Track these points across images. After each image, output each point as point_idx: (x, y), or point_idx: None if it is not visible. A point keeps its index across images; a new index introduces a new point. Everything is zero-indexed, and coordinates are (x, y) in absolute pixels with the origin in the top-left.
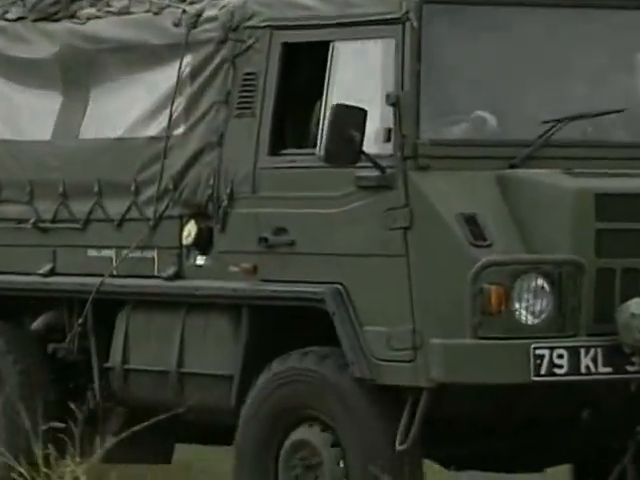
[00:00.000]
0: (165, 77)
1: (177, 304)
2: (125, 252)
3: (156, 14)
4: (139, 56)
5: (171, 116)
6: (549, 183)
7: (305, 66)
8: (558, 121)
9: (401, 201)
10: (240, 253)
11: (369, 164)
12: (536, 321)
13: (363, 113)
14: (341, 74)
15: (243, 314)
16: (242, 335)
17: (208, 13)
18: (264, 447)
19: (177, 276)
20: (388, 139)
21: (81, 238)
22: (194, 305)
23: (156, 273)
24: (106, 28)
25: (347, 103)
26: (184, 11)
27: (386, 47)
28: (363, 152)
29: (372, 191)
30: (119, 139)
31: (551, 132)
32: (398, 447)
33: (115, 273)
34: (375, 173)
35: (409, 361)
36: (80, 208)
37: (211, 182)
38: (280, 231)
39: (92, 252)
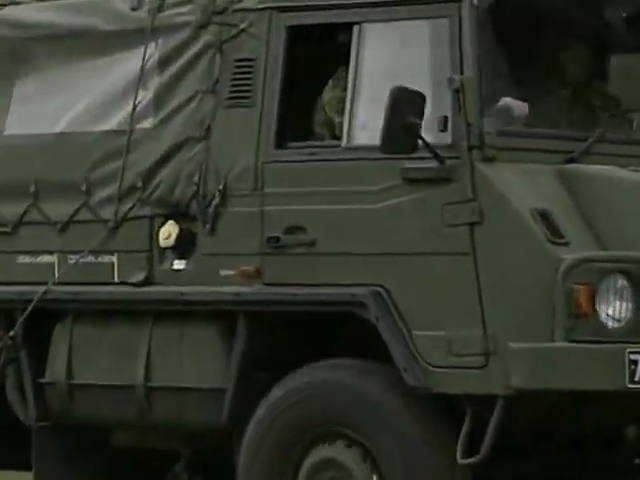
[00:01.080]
0: (121, 66)
1: (140, 313)
2: (75, 257)
3: None
4: (82, 44)
5: (134, 108)
6: (625, 178)
7: (314, 51)
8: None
9: (466, 195)
10: (236, 255)
11: (416, 155)
12: (619, 324)
13: (422, 98)
14: (370, 58)
15: (240, 321)
16: (238, 344)
17: None
18: (278, 468)
19: (147, 282)
20: (444, 128)
21: (9, 243)
22: (164, 313)
23: (116, 279)
24: (34, 13)
25: (407, 87)
26: None
27: (436, 28)
28: (423, 140)
29: (424, 184)
30: (60, 134)
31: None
32: (461, 461)
33: (56, 280)
34: (428, 164)
35: (479, 367)
36: (7, 210)
37: (195, 179)
38: (295, 230)
39: (24, 258)
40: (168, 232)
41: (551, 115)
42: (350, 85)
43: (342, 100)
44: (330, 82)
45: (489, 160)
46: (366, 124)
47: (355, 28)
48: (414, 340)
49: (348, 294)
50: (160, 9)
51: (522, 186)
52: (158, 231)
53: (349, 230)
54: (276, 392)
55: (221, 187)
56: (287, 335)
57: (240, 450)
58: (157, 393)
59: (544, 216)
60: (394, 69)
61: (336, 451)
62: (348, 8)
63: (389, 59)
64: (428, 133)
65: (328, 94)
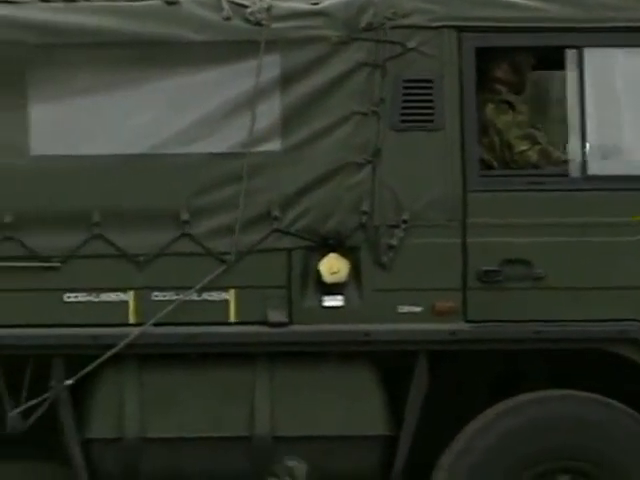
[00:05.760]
0: (222, 82)
1: (249, 355)
2: (183, 293)
3: (172, 3)
4: (153, 54)
5: (252, 129)
6: None
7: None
8: None
9: None
10: (424, 290)
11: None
12: None
13: None
14: (595, 84)
15: (419, 361)
16: (419, 387)
17: (296, 7)
18: None
19: (287, 321)
20: None
21: (56, 280)
22: (289, 355)
23: (232, 319)
24: (71, 16)
25: None
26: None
27: None
28: None
29: None
30: (139, 156)
31: None
32: None
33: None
34: None
35: None
36: (54, 243)
37: (363, 208)
38: (516, 263)
39: (77, 296)
40: (337, 266)
41: None
42: (575, 111)
43: (521, 125)
44: (492, 105)
45: None
46: (605, 154)
47: (570, 52)
48: None
49: (617, 330)
50: (268, 21)
51: None
52: (314, 265)
53: (593, 263)
54: (507, 422)
55: (406, 217)
56: (473, 375)
57: None
58: (286, 444)
59: None
60: (620, 95)
61: None
62: (559, 32)
63: (614, 84)
64: None
65: (501, 117)
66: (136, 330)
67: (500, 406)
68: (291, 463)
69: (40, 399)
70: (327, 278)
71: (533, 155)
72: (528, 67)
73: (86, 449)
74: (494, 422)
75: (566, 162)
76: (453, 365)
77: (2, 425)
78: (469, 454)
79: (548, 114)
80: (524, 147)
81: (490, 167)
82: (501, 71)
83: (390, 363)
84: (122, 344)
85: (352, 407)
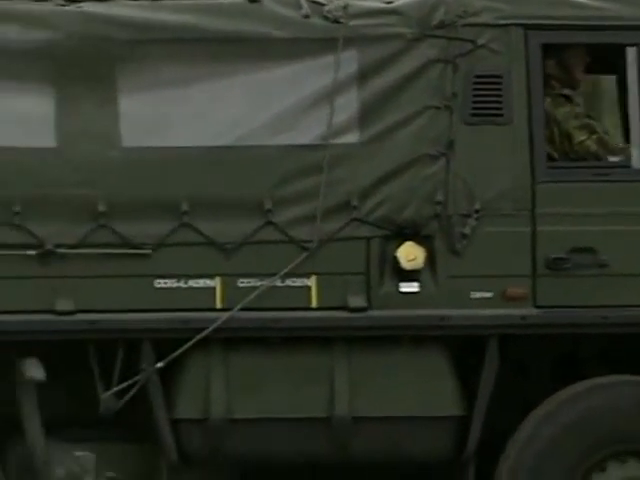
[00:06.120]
0: (302, 77)
1: (329, 339)
2: (267, 280)
3: (254, 2)
4: (235, 50)
5: (331, 122)
6: None
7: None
8: None
9: None
10: (496, 277)
11: None
12: None
13: None
14: None
15: (491, 344)
16: (490, 369)
17: (371, 5)
18: None
19: (366, 306)
20: None
21: (147, 266)
22: (366, 339)
23: (314, 304)
24: (155, 14)
25: None
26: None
27: None
28: None
29: None
30: (224, 148)
31: None
32: None
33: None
34: None
35: None
36: (145, 231)
37: (437, 198)
38: (582, 251)
39: (167, 282)
40: (414, 253)
41: None
42: (636, 106)
43: (578, 116)
44: (549, 98)
45: None
46: None
47: (630, 49)
48: None
49: None
50: (344, 19)
51: None
52: (391, 253)
53: None
54: (571, 410)
55: (478, 207)
56: (539, 358)
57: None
58: (365, 425)
59: None
60: None
61: (633, 468)
62: (622, 30)
63: None
64: None
65: (559, 110)
66: (224, 315)
67: (563, 394)
68: (79, 453)
69: (132, 381)
70: (405, 265)
71: (592, 145)
72: (582, 64)
73: (174, 429)
74: (558, 410)
75: (623, 150)
76: (514, 349)
77: (88, 410)
78: (534, 443)
79: (605, 107)
80: (583, 137)
81: (551, 159)
82: (556, 68)
83: (459, 347)
84: (211, 328)
85: (427, 389)
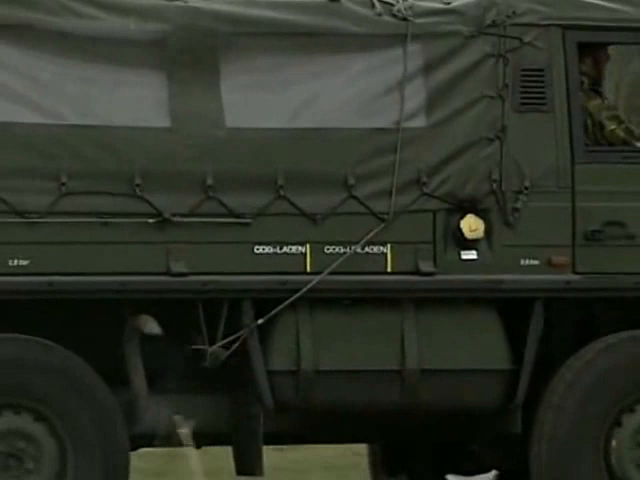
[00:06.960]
0: (377, 68)
1: (397, 300)
2: (352, 247)
3: (334, 1)
4: (317, 43)
5: (402, 108)
6: None
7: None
8: None
9: None
10: (542, 247)
11: None
12: None
13: None
14: None
15: (537, 306)
16: (536, 328)
17: (433, 5)
18: (593, 435)
19: (433, 271)
20: None
21: (247, 234)
22: (432, 301)
23: (389, 269)
24: (251, 10)
25: None
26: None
27: None
28: None
29: None
30: (314, 129)
31: None
32: None
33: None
34: None
35: None
36: (245, 202)
37: (494, 176)
38: (614, 224)
39: (264, 249)
40: (475, 225)
41: None
42: None
43: (608, 107)
44: (581, 93)
45: None
46: None
47: None
48: None
49: None
50: (411, 17)
51: None
52: (456, 224)
53: None
54: (607, 359)
55: (527, 184)
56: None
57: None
58: (431, 376)
59: None
60: None
61: None
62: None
63: None
64: None
65: (591, 102)
66: (316, 277)
67: (598, 344)
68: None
69: (235, 335)
70: (468, 235)
71: (621, 133)
72: (606, 62)
73: (268, 380)
74: (594, 360)
75: None
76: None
77: (187, 364)
78: (574, 391)
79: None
80: (613, 126)
81: (585, 144)
82: (586, 65)
83: (508, 309)
84: (305, 288)
85: (484, 345)
